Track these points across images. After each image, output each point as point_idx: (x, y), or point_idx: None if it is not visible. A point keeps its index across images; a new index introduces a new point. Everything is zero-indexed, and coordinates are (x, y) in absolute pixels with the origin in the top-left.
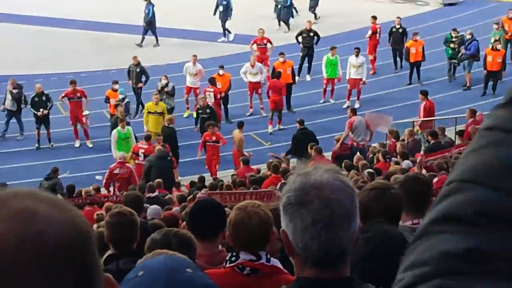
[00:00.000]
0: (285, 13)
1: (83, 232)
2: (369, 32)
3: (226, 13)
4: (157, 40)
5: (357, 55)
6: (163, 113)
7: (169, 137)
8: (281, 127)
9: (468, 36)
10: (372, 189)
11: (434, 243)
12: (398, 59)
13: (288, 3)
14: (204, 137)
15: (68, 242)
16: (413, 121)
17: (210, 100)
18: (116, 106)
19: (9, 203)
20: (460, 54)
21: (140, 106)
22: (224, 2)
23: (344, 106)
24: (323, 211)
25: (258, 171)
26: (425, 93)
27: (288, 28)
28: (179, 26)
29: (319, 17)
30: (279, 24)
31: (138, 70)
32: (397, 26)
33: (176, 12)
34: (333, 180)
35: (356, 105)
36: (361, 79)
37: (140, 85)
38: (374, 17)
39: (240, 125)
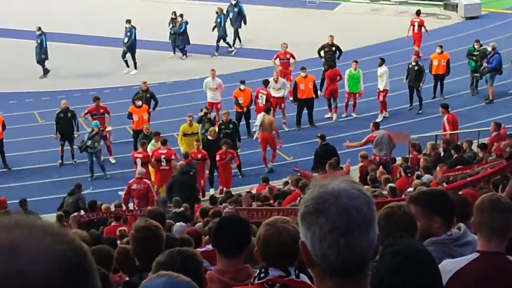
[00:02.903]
0: (180, 40)
1: (75, 266)
2: (410, 27)
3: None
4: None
5: (380, 65)
6: (197, 134)
7: (214, 150)
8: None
9: (490, 49)
10: (384, 208)
11: None
12: (417, 96)
13: (183, 30)
14: (220, 155)
15: (53, 281)
16: (436, 135)
17: (262, 102)
18: (91, 137)
19: None
20: (482, 68)
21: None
22: (236, 9)
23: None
24: (341, 219)
25: (279, 188)
26: (445, 106)
27: (185, 55)
28: (199, 41)
29: (238, 46)
30: (174, 52)
31: (147, 95)
32: (413, 63)
33: (198, 28)
34: (350, 188)
35: (379, 118)
36: (384, 89)
37: (150, 110)
38: (417, 12)
39: (268, 111)
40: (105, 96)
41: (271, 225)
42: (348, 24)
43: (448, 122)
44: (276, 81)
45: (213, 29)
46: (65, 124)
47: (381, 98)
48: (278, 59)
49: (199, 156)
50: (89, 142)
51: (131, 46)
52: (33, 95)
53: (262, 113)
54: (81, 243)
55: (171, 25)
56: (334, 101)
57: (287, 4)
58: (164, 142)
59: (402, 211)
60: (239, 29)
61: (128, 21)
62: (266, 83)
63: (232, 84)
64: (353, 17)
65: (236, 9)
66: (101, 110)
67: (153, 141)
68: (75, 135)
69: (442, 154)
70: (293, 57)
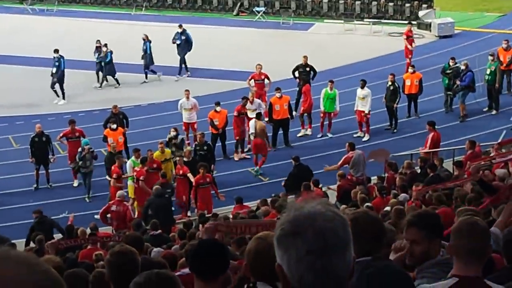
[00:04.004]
0: (107, 70)
1: None
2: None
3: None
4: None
5: (362, 87)
6: (170, 160)
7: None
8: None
9: (463, 67)
10: (350, 215)
11: None
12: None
13: (109, 59)
14: (196, 180)
15: None
16: (411, 154)
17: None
18: (82, 158)
19: None
20: (455, 86)
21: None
22: (183, 37)
23: (355, 136)
24: (317, 241)
25: (253, 209)
26: (432, 124)
27: (101, 85)
28: (175, 64)
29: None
30: (98, 80)
31: (120, 116)
32: (390, 83)
33: (173, 50)
34: (325, 211)
35: (365, 138)
36: (364, 111)
37: (125, 130)
38: (410, 23)
39: (258, 116)
40: (80, 119)
41: (262, 239)
42: (322, 45)
43: (432, 140)
44: (251, 102)
45: (142, 57)
46: (40, 148)
47: (364, 119)
48: (253, 80)
49: (181, 172)
50: (80, 163)
51: (60, 77)
52: (8, 120)
53: (254, 119)
54: (55, 273)
55: (96, 54)
56: (308, 117)
57: (261, 25)
58: (142, 161)
59: (369, 217)
60: (185, 57)
61: (56, 51)
62: (246, 100)
63: (207, 106)
64: (327, 37)
65: (183, 37)
66: (77, 134)
67: (133, 158)
68: (51, 159)
69: (419, 172)
70: (268, 78)
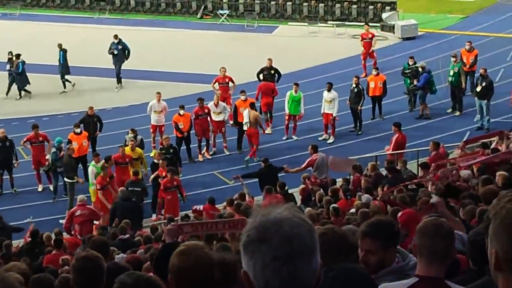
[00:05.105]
0: (19, 80)
1: None
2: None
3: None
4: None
5: (329, 90)
6: (140, 158)
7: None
8: (270, 131)
9: (420, 69)
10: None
11: None
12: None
13: (20, 70)
14: (164, 184)
15: None
16: (376, 156)
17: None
18: (58, 159)
19: None
20: (411, 86)
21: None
22: (120, 47)
23: (320, 139)
24: (284, 247)
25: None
26: (398, 125)
27: (20, 95)
28: (139, 67)
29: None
30: (7, 92)
31: (95, 119)
32: (354, 85)
33: (137, 53)
34: (292, 217)
35: (330, 140)
36: (332, 114)
37: (97, 133)
38: (368, 24)
39: (252, 106)
40: (44, 124)
41: (186, 254)
42: (287, 47)
43: (397, 141)
44: (216, 105)
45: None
46: (4, 153)
47: (331, 122)
48: (217, 83)
49: (164, 174)
50: (57, 163)
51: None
52: None
53: (248, 108)
54: (13, 281)
55: (8, 66)
56: (270, 114)
57: (225, 28)
58: (107, 159)
59: (336, 234)
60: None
61: None
62: (200, 101)
63: (172, 109)
64: (291, 40)
65: (120, 47)
66: (40, 138)
67: (93, 162)
68: (14, 164)
69: (383, 174)
70: (232, 81)
